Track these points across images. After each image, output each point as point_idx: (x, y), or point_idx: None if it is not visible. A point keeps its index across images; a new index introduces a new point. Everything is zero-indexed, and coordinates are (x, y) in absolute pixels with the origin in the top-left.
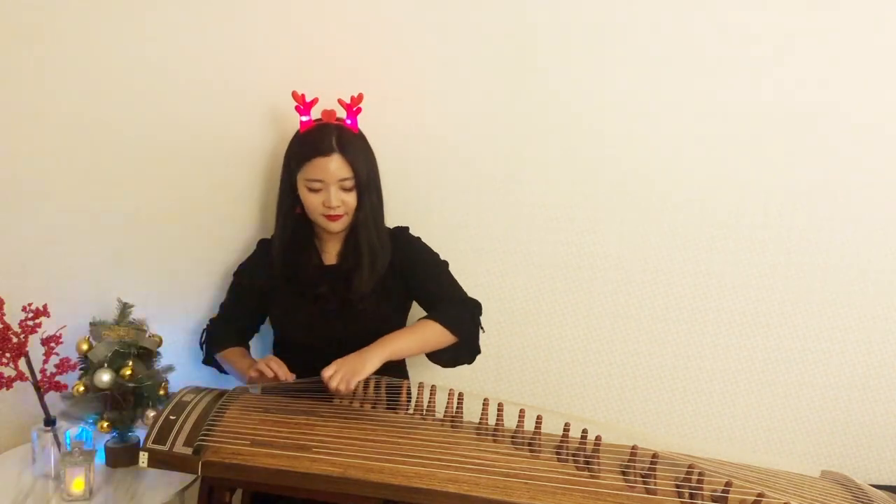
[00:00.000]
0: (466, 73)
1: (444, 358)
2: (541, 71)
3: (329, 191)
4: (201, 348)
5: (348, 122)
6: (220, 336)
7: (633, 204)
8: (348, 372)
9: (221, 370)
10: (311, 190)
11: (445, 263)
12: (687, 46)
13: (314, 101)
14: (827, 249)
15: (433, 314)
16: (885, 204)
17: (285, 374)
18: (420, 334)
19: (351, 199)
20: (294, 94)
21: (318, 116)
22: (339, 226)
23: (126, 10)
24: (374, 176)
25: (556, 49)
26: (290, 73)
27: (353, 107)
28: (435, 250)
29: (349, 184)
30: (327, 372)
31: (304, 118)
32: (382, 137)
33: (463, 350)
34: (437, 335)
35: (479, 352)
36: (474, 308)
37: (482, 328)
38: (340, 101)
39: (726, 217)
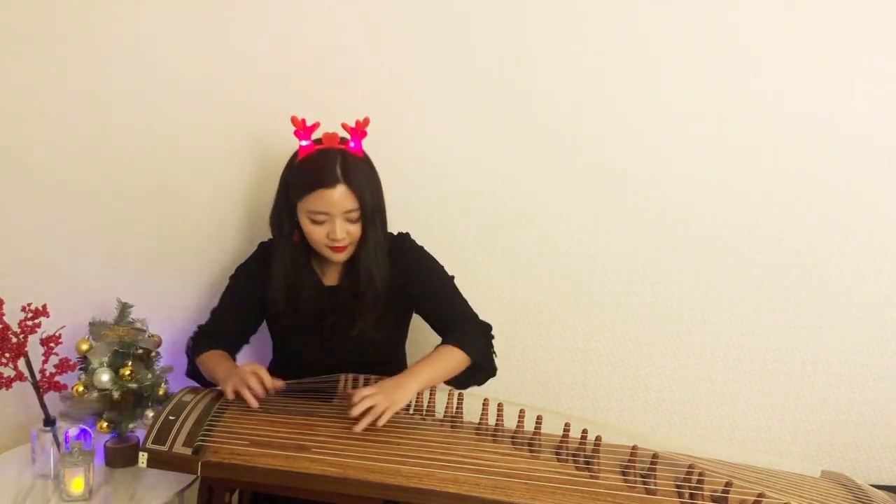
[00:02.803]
0: (466, 78)
1: (457, 381)
2: (539, 75)
3: (334, 223)
4: (187, 356)
5: (352, 144)
6: (204, 341)
7: (633, 207)
8: (385, 400)
9: (204, 382)
10: (315, 222)
11: (452, 278)
12: (686, 49)
13: (315, 126)
14: (827, 251)
15: (452, 340)
16: (885, 205)
17: (270, 384)
18: (446, 363)
19: (356, 229)
20: (293, 120)
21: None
22: (343, 256)
23: (128, 10)
24: (379, 201)
25: (554, 55)
26: (289, 73)
27: (359, 131)
28: (436, 258)
29: (355, 215)
30: (358, 396)
31: (304, 143)
32: (382, 142)
33: (477, 374)
34: (460, 361)
35: (494, 374)
36: (488, 331)
37: (495, 352)
38: (345, 126)
39: (727, 218)
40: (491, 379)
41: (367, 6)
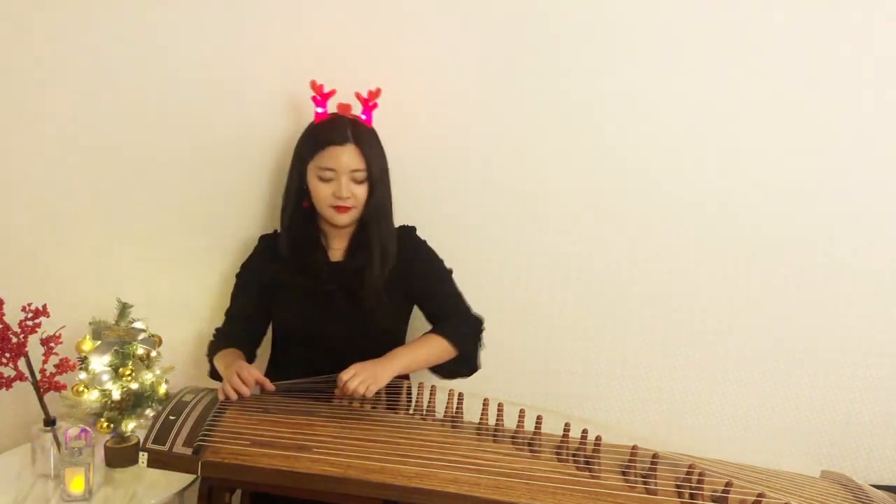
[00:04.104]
0: (475, 72)
1: (443, 371)
2: (550, 72)
3: (340, 181)
4: (209, 361)
5: (363, 117)
6: (218, 341)
7: (636, 206)
8: (369, 377)
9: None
10: (323, 179)
11: (450, 272)
12: (694, 47)
13: (332, 93)
14: (826, 250)
15: (439, 329)
16: (885, 205)
17: (257, 380)
18: (428, 349)
19: (361, 191)
20: (313, 84)
21: (333, 111)
22: (346, 219)
23: (132, 4)
24: (385, 172)
25: (566, 50)
26: (295, 72)
27: (370, 101)
28: (439, 255)
29: (361, 175)
30: (346, 374)
31: (320, 110)
32: (389, 136)
33: (462, 366)
34: (443, 351)
35: (477, 368)
36: (478, 325)
37: (483, 345)
38: (357, 95)
39: (728, 218)
40: (491, 376)
41: (378, 2)
